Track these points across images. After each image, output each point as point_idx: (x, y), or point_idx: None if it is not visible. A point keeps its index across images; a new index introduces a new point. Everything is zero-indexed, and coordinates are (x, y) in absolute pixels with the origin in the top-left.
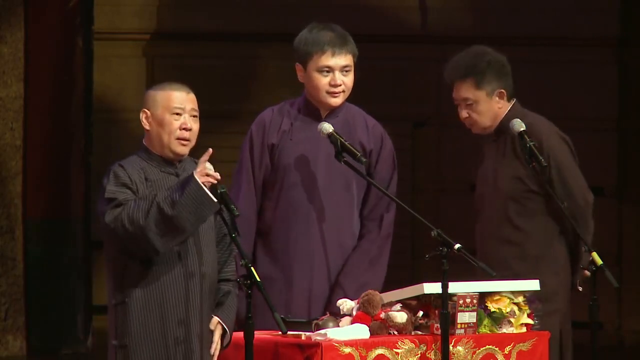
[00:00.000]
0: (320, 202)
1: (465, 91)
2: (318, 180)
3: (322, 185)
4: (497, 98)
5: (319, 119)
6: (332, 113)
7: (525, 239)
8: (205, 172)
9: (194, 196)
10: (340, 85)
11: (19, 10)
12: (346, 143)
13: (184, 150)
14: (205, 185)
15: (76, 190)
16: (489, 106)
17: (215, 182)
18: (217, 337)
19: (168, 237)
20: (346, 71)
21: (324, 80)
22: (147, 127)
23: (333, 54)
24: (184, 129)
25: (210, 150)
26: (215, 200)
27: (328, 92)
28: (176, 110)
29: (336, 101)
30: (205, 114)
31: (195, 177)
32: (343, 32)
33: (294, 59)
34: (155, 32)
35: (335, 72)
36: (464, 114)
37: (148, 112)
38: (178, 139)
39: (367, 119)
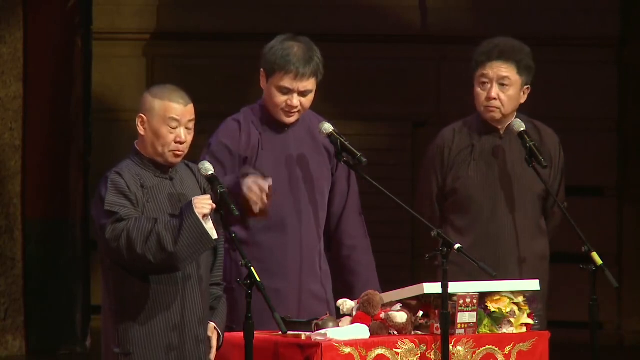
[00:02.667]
0: (300, 208)
1: (506, 71)
2: (295, 187)
3: (301, 191)
4: (522, 93)
5: (283, 127)
6: (295, 121)
7: (544, 239)
8: (206, 202)
9: (194, 233)
10: (296, 107)
11: (18, 10)
12: (346, 143)
13: (177, 160)
14: (204, 221)
15: (75, 191)
16: (517, 96)
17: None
18: (214, 342)
19: (163, 267)
20: (305, 95)
21: (281, 99)
22: (141, 132)
23: (295, 77)
24: (178, 142)
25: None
26: (213, 237)
27: (283, 110)
28: (173, 124)
29: (290, 120)
30: (205, 114)
31: (195, 212)
32: (311, 53)
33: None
34: (155, 32)
35: (293, 94)
36: (493, 93)
37: (144, 118)
38: (171, 150)
39: (320, 120)
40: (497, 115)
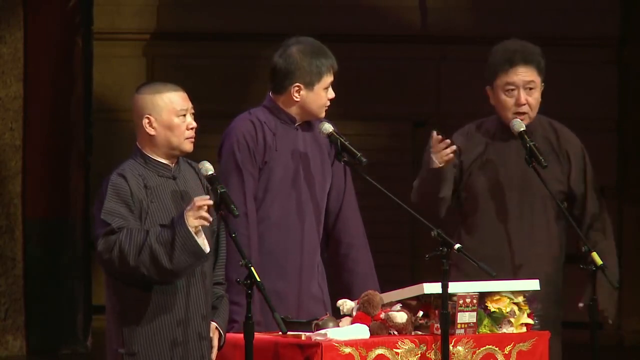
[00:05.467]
0: (303, 208)
1: (530, 75)
2: (299, 187)
3: (304, 192)
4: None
5: (294, 127)
6: (305, 121)
7: (555, 241)
8: (199, 216)
9: (187, 249)
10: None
11: (18, 10)
12: (346, 143)
13: (192, 147)
14: (197, 235)
15: (76, 190)
16: (540, 97)
17: (208, 225)
18: (216, 342)
19: (156, 280)
20: None
21: (327, 97)
22: (152, 132)
23: (335, 71)
24: (190, 128)
25: (211, 201)
26: (206, 251)
27: (326, 107)
28: (182, 113)
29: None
30: (205, 114)
31: (188, 226)
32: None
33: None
34: (155, 32)
35: (330, 87)
36: (522, 99)
37: (152, 118)
38: (187, 138)
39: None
40: (527, 121)
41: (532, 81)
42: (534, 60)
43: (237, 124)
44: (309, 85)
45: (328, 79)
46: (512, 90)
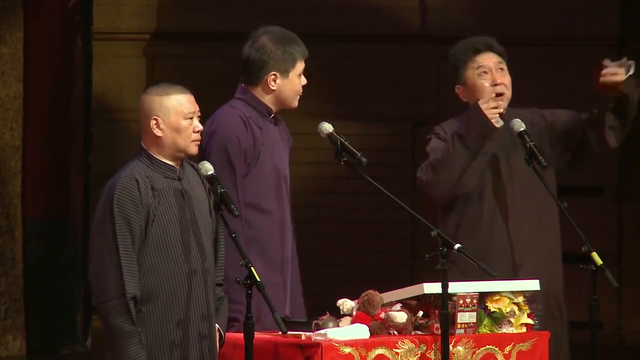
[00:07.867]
0: (284, 202)
1: (498, 59)
2: (279, 180)
3: (283, 184)
4: None
5: (273, 120)
6: (276, 112)
7: (551, 237)
8: None
9: None
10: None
11: (18, 10)
12: (346, 143)
13: (197, 150)
14: None
15: (75, 190)
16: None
17: None
18: (217, 343)
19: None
20: None
21: (300, 84)
22: (159, 134)
23: (306, 57)
24: (197, 131)
25: None
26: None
27: (299, 94)
28: (189, 115)
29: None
30: (205, 114)
31: None
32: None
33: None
34: (155, 32)
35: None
36: (497, 78)
37: (159, 119)
38: (193, 141)
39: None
40: (505, 102)
41: (502, 62)
42: (499, 49)
43: (226, 120)
44: (284, 73)
45: (301, 65)
46: (485, 73)
